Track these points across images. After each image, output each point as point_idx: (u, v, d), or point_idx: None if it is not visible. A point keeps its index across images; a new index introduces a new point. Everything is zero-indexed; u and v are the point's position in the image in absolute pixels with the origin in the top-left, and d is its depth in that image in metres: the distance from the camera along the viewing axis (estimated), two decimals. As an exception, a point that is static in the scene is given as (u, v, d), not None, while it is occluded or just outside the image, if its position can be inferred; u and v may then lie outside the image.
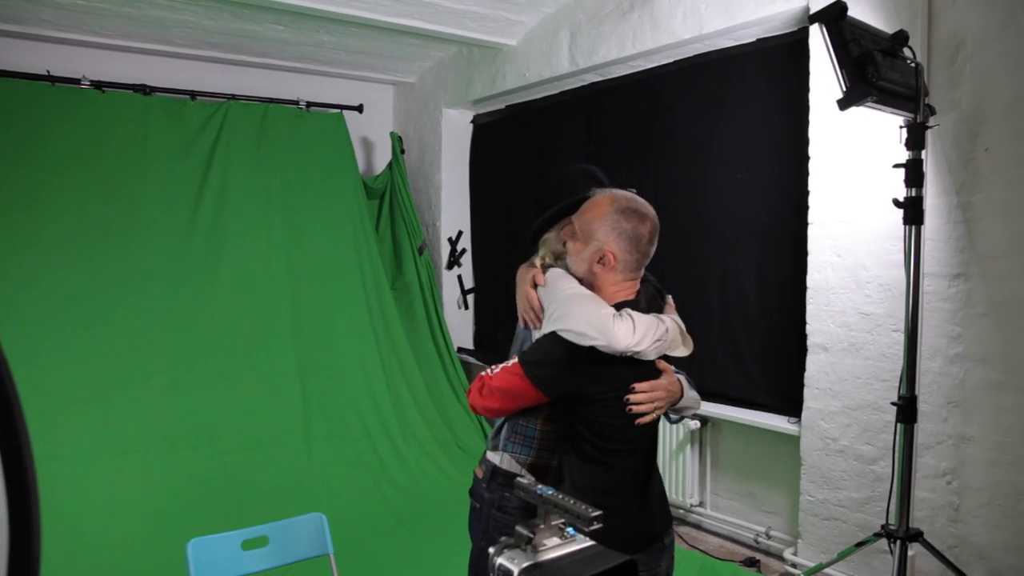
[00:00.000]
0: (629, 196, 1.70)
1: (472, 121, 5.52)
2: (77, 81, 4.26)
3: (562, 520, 1.13)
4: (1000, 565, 2.65)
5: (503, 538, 1.16)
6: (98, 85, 4.31)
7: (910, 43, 2.43)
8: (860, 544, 2.68)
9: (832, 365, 3.10)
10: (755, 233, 3.59)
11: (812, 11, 3.03)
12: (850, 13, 2.32)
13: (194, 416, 4.03)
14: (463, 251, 5.61)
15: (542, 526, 1.11)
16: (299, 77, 5.23)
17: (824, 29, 2.30)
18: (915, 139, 2.42)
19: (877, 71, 2.26)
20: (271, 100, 4.85)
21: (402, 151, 5.39)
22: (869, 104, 2.31)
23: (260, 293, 4.45)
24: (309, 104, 5.00)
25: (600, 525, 1.03)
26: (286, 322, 4.50)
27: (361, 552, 3.40)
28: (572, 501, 1.07)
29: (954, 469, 2.75)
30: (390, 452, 4.46)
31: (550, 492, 1.10)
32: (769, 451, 3.57)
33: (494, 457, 1.85)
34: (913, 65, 2.43)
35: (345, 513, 3.76)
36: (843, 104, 2.29)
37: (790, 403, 3.38)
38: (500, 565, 1.08)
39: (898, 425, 2.52)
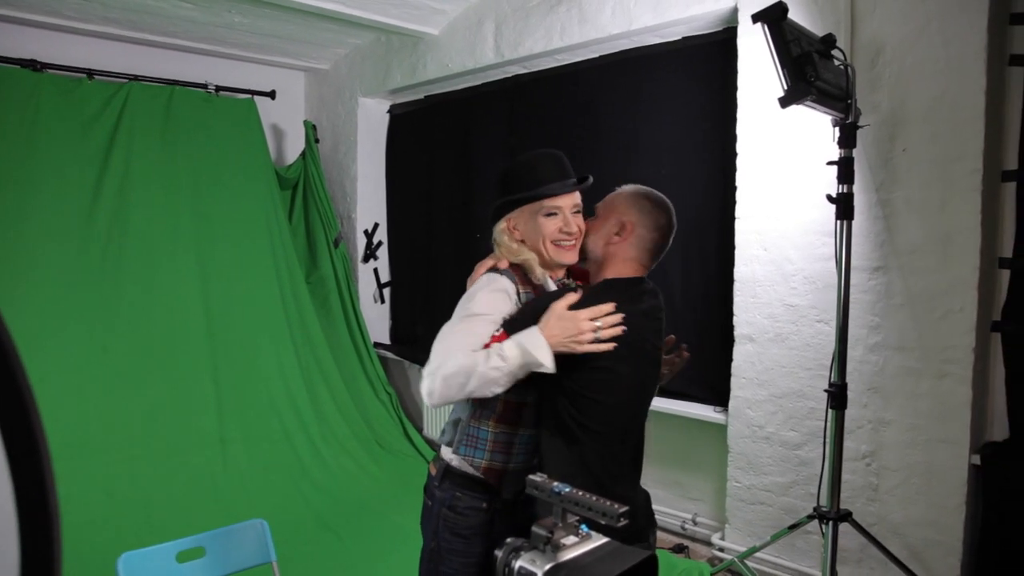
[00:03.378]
0: (650, 190, 1.81)
1: (389, 111, 5.39)
2: (-47, 53, 3.87)
3: (577, 518, 1.10)
4: (914, 540, 2.83)
5: (510, 539, 1.13)
6: (-22, 58, 3.92)
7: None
8: (793, 526, 2.80)
9: (759, 355, 3.22)
10: (680, 228, 3.64)
11: (741, 12, 3.15)
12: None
13: (97, 420, 3.73)
14: (379, 244, 5.48)
15: (559, 525, 1.07)
16: (206, 59, 4.94)
17: (767, 29, 2.36)
18: (847, 138, 2.53)
19: (815, 71, 2.34)
20: (177, 83, 4.55)
21: (316, 140, 5.20)
22: (807, 103, 2.39)
23: (168, 287, 4.18)
24: (219, 88, 4.74)
25: (628, 521, 1.01)
26: (197, 318, 4.24)
27: (287, 557, 3.25)
28: (594, 498, 1.04)
29: (873, 452, 2.91)
30: (310, 452, 4.30)
31: (567, 490, 1.07)
32: (695, 440, 3.66)
33: (447, 455, 1.80)
34: (843, 67, 2.54)
35: (266, 518, 3.58)
36: (784, 102, 2.36)
37: (716, 393, 3.48)
38: (520, 568, 1.04)
39: (829, 411, 2.63)
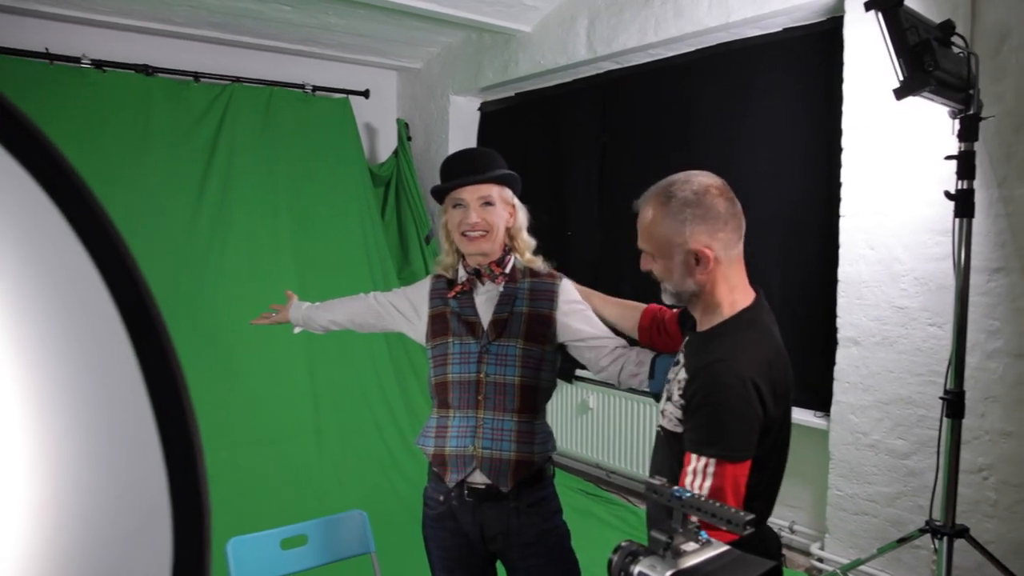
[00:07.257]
0: (664, 183, 1.51)
1: (480, 109, 5.42)
2: (77, 60, 4.09)
3: (696, 523, 1.07)
4: (1036, 560, 2.65)
5: (625, 543, 1.10)
6: (98, 64, 4.14)
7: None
8: (903, 540, 2.66)
9: (864, 359, 3.07)
10: (780, 226, 3.54)
11: (848, 1, 3.02)
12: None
13: (200, 408, 3.78)
14: (468, 241, 5.51)
15: (680, 530, 1.04)
16: (303, 60, 5.09)
17: (881, 16, 2.24)
18: (968, 131, 2.38)
19: (934, 60, 2.21)
20: (276, 83, 4.71)
21: (408, 138, 5.28)
22: (925, 94, 2.26)
23: (267, 281, 4.31)
24: (315, 88, 4.87)
25: (753, 529, 0.97)
26: (294, 311, 4.38)
27: (378, 549, 3.31)
28: (718, 504, 1.00)
29: (991, 465, 2.73)
30: (400, 445, 4.37)
31: (688, 495, 1.04)
32: (793, 445, 3.49)
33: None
34: (964, 56, 2.40)
35: (358, 508, 3.68)
36: (900, 93, 2.23)
37: (816, 397, 3.34)
38: (640, 573, 1.01)
39: (944, 420, 2.48)
